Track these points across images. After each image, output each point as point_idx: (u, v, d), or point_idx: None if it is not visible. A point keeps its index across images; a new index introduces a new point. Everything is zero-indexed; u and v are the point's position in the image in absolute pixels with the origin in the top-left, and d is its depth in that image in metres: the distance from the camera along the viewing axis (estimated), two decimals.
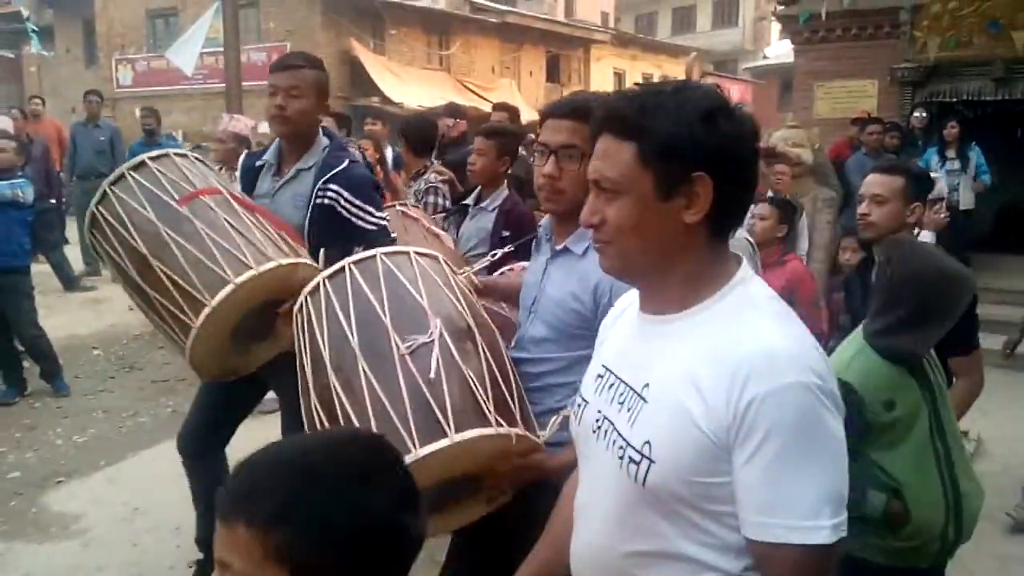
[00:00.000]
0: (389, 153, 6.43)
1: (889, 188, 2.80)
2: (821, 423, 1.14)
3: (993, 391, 2.95)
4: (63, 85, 20.86)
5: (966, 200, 8.23)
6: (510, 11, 23.25)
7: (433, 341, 1.91)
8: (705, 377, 1.17)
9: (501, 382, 1.94)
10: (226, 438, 3.11)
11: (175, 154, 2.64)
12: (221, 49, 12.53)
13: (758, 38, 34.57)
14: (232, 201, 2.55)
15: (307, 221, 2.75)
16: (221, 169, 4.28)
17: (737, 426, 1.13)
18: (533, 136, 5.17)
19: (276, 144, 2.94)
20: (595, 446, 1.33)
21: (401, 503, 0.94)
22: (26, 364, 5.86)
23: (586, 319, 1.96)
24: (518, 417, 1.91)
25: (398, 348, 1.90)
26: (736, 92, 25.68)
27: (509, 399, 1.93)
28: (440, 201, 4.54)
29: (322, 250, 2.53)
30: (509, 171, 4.00)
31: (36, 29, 13.80)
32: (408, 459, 1.81)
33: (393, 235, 2.85)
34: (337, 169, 2.78)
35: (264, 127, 6.96)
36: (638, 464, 1.21)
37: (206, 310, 2.29)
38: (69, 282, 8.67)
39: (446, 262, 2.24)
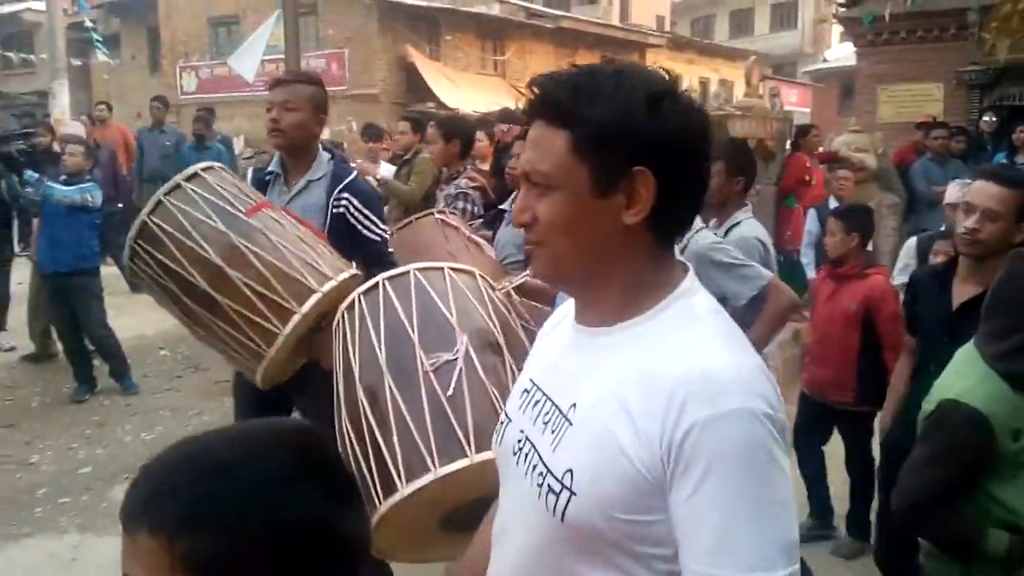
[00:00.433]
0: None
1: (1005, 202, 2.46)
2: (771, 458, 0.98)
3: None
4: (129, 92, 21.49)
5: None
6: (565, 16, 23.25)
7: (457, 358, 1.91)
8: (636, 400, 1.01)
9: None
10: None
11: (218, 167, 2.73)
12: (281, 56, 12.75)
13: (818, 41, 33.98)
14: (286, 214, 2.68)
15: (325, 230, 2.86)
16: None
17: (673, 458, 0.98)
18: None
19: (278, 157, 3.06)
20: (515, 470, 1.17)
21: (330, 500, 0.82)
22: (95, 363, 6.05)
23: None
24: None
25: (423, 364, 1.90)
26: (795, 96, 25.30)
27: None
28: (470, 208, 4.54)
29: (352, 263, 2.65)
30: None
31: (101, 39, 14.27)
32: (429, 478, 1.82)
33: (390, 250, 2.95)
34: (348, 180, 2.92)
35: (325, 132, 7.03)
36: (557, 495, 1.06)
37: (295, 318, 2.37)
38: (136, 284, 8.91)
39: (482, 277, 2.23)
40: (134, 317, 7.52)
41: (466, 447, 1.78)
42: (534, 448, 1.14)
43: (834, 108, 23.17)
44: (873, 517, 3.44)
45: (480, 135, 6.22)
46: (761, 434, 0.98)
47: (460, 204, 4.52)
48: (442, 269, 2.18)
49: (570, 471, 1.05)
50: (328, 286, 2.43)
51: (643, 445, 1.00)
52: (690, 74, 27.74)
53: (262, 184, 3.04)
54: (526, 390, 1.22)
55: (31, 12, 28.86)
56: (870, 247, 3.98)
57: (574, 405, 1.10)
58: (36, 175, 5.86)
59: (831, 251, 3.81)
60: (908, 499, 1.97)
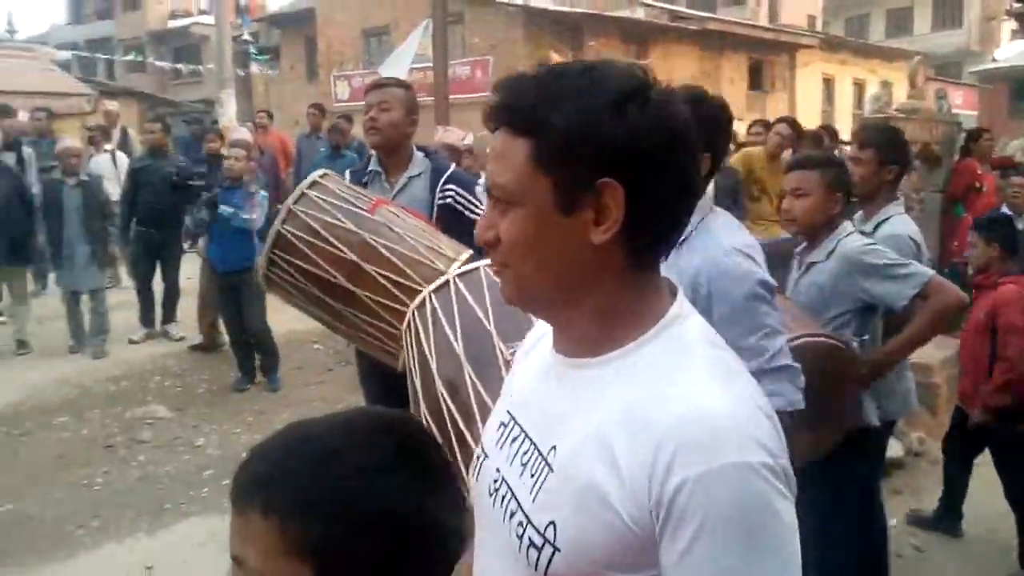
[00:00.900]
0: None
1: None
2: (770, 512, 0.87)
3: None
4: (287, 100, 22.69)
5: None
6: (711, 17, 22.76)
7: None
8: (622, 447, 0.90)
9: None
10: None
11: (329, 173, 2.92)
12: (429, 64, 13.15)
13: (985, 39, 31.75)
14: (399, 209, 2.84)
15: (434, 221, 3.00)
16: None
17: (664, 515, 0.87)
18: None
19: (376, 157, 3.23)
20: (492, 512, 1.05)
21: (436, 493, 0.82)
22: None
23: None
24: None
25: (502, 354, 1.91)
26: (959, 98, 23.74)
27: None
28: None
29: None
30: None
31: (258, 51, 15.19)
32: None
33: None
34: (449, 172, 3.13)
35: (470, 139, 7.21)
36: (540, 550, 0.95)
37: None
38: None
39: None
40: (287, 313, 7.90)
41: None
42: (511, 492, 1.02)
43: (1004, 111, 21.53)
44: None
45: None
46: (759, 488, 0.87)
47: None
48: (480, 267, 2.25)
49: (552, 524, 0.94)
50: (455, 266, 2.56)
51: (630, 497, 0.89)
52: (844, 75, 26.54)
53: (361, 184, 3.19)
54: (503, 423, 1.10)
55: (199, 26, 31.10)
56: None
57: (554, 448, 0.98)
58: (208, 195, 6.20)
59: (972, 262, 3.81)
60: None
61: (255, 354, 6.28)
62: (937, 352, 5.08)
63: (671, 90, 0.98)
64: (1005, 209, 5.50)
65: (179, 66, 27.18)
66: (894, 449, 4.27)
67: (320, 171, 2.93)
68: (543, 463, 0.98)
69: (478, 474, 1.11)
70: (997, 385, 3.46)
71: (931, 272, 2.70)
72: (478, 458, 1.13)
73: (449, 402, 1.96)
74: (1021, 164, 6.17)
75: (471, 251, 2.72)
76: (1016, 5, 10.24)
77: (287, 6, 25.95)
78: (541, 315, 1.08)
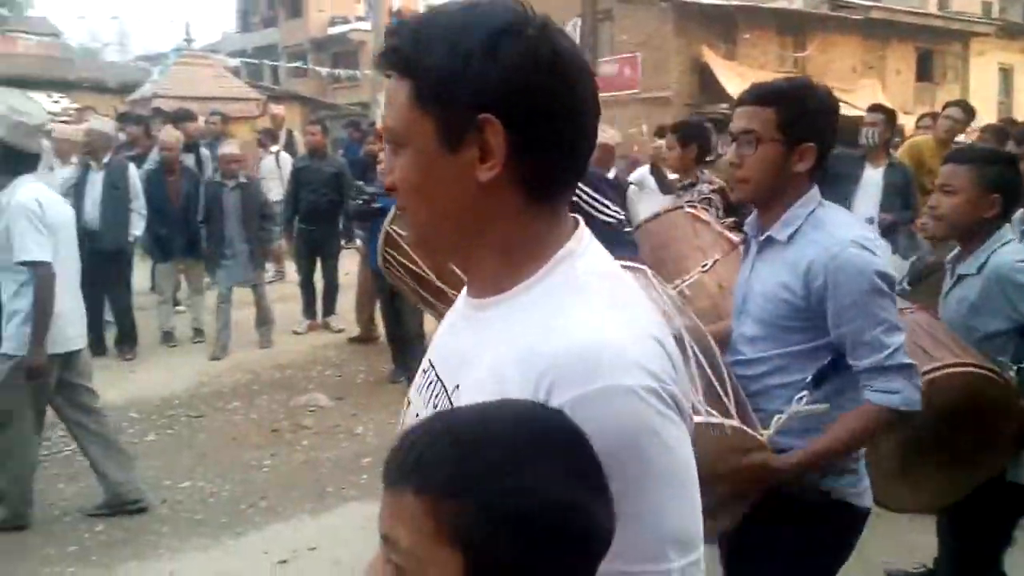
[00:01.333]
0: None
1: None
2: (655, 437, 0.86)
3: None
4: None
5: None
6: (875, 6, 21.57)
7: None
8: (512, 381, 0.90)
9: (713, 378, 1.84)
10: None
11: None
12: None
13: None
14: None
15: None
16: None
17: None
18: None
19: None
20: None
21: (589, 490, 0.79)
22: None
23: (798, 308, 1.88)
24: (733, 412, 1.80)
25: None
26: None
27: (723, 395, 1.83)
28: (714, 212, 4.35)
29: None
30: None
31: None
32: None
33: (627, 229, 2.97)
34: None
35: (617, 136, 7.14)
36: None
37: None
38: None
39: (654, 276, 2.21)
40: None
41: None
42: None
43: None
44: None
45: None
46: (640, 411, 0.86)
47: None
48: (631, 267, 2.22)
49: None
50: None
51: None
52: None
53: None
54: (424, 370, 1.12)
55: (357, 32, 32.42)
56: None
57: (458, 387, 0.99)
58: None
59: None
60: None
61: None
62: None
63: (548, 23, 0.95)
64: None
65: (337, 71, 28.48)
66: None
67: None
68: (447, 401, 1.00)
69: (402, 422, 1.13)
70: None
71: None
72: (405, 406, 1.15)
73: None
74: None
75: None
76: None
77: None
78: (445, 257, 1.10)
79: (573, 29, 12.37)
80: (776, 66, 20.04)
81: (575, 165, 0.99)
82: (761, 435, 1.84)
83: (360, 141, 9.96)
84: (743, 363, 1.99)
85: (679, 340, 1.95)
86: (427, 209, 0.99)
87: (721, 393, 1.83)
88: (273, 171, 9.16)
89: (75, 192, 6.73)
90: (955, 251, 2.61)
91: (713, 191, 4.63)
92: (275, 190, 8.59)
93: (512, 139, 0.92)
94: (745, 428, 1.79)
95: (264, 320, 7.30)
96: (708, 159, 5.29)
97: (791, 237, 1.93)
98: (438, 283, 2.77)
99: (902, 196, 5.48)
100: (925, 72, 22.86)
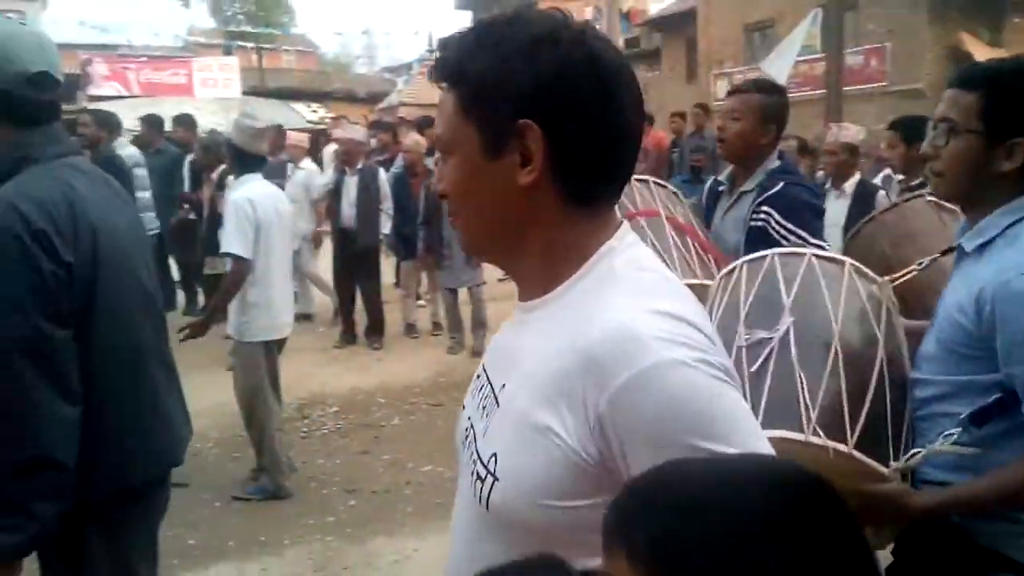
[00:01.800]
0: None
1: None
2: (722, 398, 0.88)
3: None
4: (668, 101, 23.08)
5: None
6: None
7: (773, 339, 1.80)
8: (557, 376, 0.92)
9: (845, 397, 1.67)
10: None
11: (635, 179, 2.84)
12: (815, 55, 12.49)
13: None
14: (665, 224, 2.71)
15: (743, 243, 2.72)
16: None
17: (606, 435, 0.89)
18: None
19: (732, 166, 3.04)
20: (463, 458, 1.10)
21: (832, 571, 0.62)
22: None
23: (970, 335, 1.61)
24: (851, 436, 1.63)
25: (739, 338, 1.86)
26: None
27: (848, 416, 1.66)
28: None
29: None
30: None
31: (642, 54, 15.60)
32: None
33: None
34: (772, 191, 2.75)
35: (862, 134, 6.68)
36: (483, 480, 0.98)
37: None
38: None
39: (854, 268, 2.01)
40: None
41: None
42: (473, 433, 1.07)
43: None
44: None
45: None
46: (697, 378, 0.87)
47: None
48: (804, 255, 2.06)
49: (494, 455, 0.98)
50: None
51: (572, 427, 0.91)
52: None
53: (715, 194, 3.05)
54: (478, 375, 1.14)
55: None
56: None
57: (504, 386, 1.03)
58: None
59: None
60: None
61: None
62: None
63: (587, 29, 0.98)
64: None
65: None
66: None
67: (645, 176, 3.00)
68: (494, 401, 1.03)
69: (458, 427, 1.16)
70: None
71: None
72: (461, 412, 1.17)
73: None
74: None
75: (705, 280, 2.54)
76: None
77: (667, 7, 26.36)
78: (496, 262, 1.12)
79: (814, 20, 11.72)
80: None
81: (615, 167, 1.02)
82: (888, 466, 1.63)
83: None
84: (919, 383, 1.78)
85: (825, 343, 1.81)
86: (474, 214, 1.04)
87: (847, 413, 1.66)
88: None
89: (333, 195, 7.39)
90: None
91: None
92: None
93: (550, 143, 0.96)
94: (855, 454, 1.61)
95: (479, 323, 7.34)
96: None
97: (981, 249, 1.68)
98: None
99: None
100: None
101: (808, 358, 1.80)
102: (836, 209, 4.88)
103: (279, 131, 8.48)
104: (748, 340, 1.86)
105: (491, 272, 7.22)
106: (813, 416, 1.63)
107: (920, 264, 2.10)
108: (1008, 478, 1.57)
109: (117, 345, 1.86)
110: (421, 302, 8.63)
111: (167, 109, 11.31)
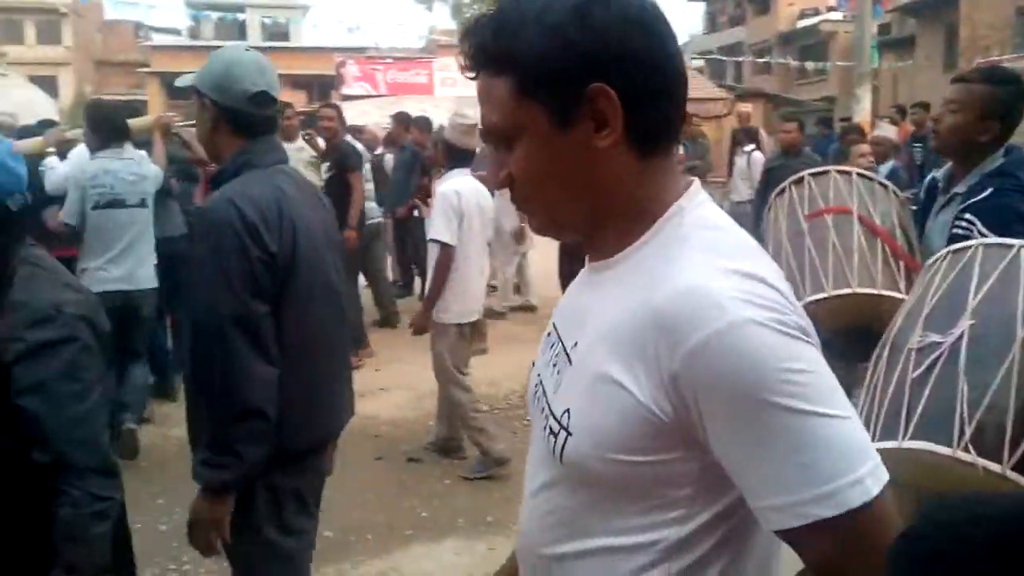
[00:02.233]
0: None
1: None
2: (799, 360, 0.86)
3: None
4: (922, 92, 21.26)
5: None
6: None
7: (944, 343, 1.73)
8: (629, 334, 0.93)
9: (1012, 414, 1.57)
10: None
11: (836, 171, 2.88)
12: None
13: None
14: (855, 223, 2.65)
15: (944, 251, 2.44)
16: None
17: (680, 393, 0.88)
18: None
19: (950, 163, 2.80)
20: (536, 416, 1.12)
21: None
22: None
23: None
24: (1008, 455, 1.53)
25: (911, 341, 1.82)
26: None
27: (1009, 434, 1.55)
28: None
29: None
30: None
31: (876, 44, 14.48)
32: None
33: None
34: (978, 198, 2.50)
35: None
36: (556, 435, 1.00)
37: None
38: None
39: None
40: None
41: (901, 430, 1.66)
42: (544, 390, 1.10)
43: None
44: None
45: None
46: (773, 338, 0.86)
47: None
48: (1013, 247, 1.89)
49: (567, 411, 1.00)
50: (816, 296, 2.60)
51: (644, 381, 0.92)
52: None
53: (932, 190, 2.82)
54: (548, 334, 1.16)
55: (827, 23, 31.03)
56: None
57: (576, 344, 1.04)
58: None
59: None
60: None
61: None
62: None
63: None
64: None
65: (806, 64, 27.57)
66: None
67: (819, 169, 3.01)
68: (566, 358, 1.05)
69: (529, 384, 1.18)
70: None
71: None
72: (531, 370, 1.19)
73: (870, 371, 1.98)
74: None
75: (870, 290, 2.62)
76: None
77: None
78: (572, 235, 1.09)
79: None
80: None
81: (677, 115, 1.01)
82: None
83: (827, 138, 9.45)
84: None
85: (1007, 349, 1.66)
86: (555, 191, 1.01)
87: (1011, 429, 1.57)
88: (744, 171, 9.08)
89: None
90: None
91: None
92: (743, 191, 8.56)
93: (622, 102, 0.95)
94: (1009, 475, 1.52)
95: None
96: None
97: None
98: None
99: None
100: None
101: (981, 365, 1.68)
102: None
103: None
104: (920, 343, 1.79)
105: None
106: (968, 431, 1.57)
107: None
108: None
109: (301, 324, 2.10)
110: None
111: (409, 107, 11.95)
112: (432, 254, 4.50)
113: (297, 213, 2.09)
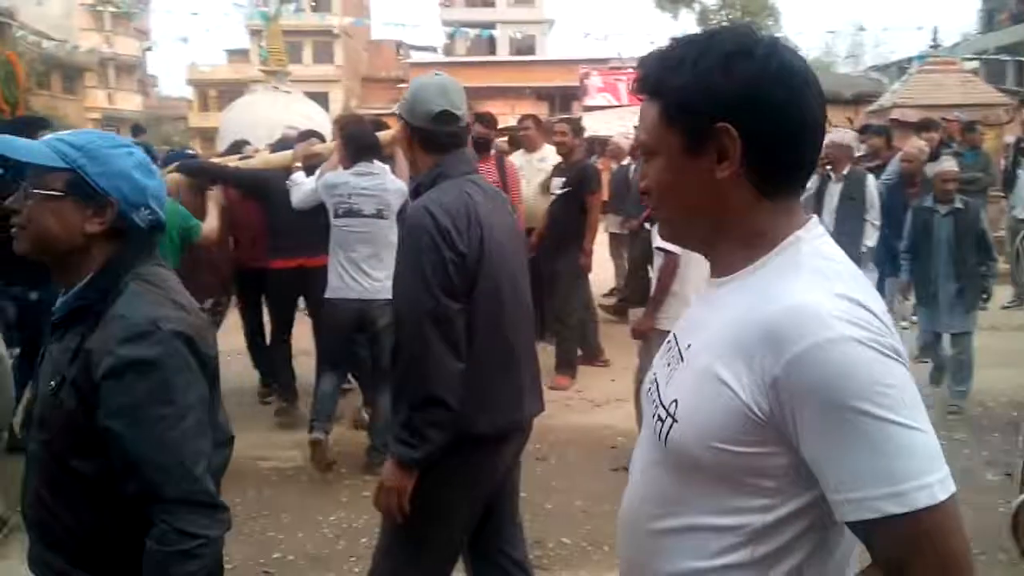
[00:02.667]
0: None
1: None
2: (889, 376, 0.98)
3: None
4: None
5: None
6: None
7: None
8: (739, 341, 1.06)
9: None
10: None
11: None
12: None
13: None
14: None
15: None
16: None
17: (779, 396, 1.02)
18: None
19: None
20: (647, 407, 1.25)
21: None
22: None
23: None
24: None
25: None
26: None
27: None
28: None
29: None
30: None
31: None
32: None
33: None
34: None
35: None
36: (663, 421, 1.15)
37: None
38: None
39: None
40: None
41: None
42: (657, 385, 1.22)
43: None
44: None
45: None
46: (863, 354, 0.98)
47: None
48: None
49: (675, 401, 1.14)
50: None
51: (746, 381, 1.04)
52: None
53: None
54: (668, 341, 1.27)
55: None
56: None
57: (690, 345, 1.17)
58: None
59: None
60: None
61: None
62: None
63: (778, 43, 1.13)
64: None
65: None
66: None
67: None
68: (679, 357, 1.19)
69: (646, 382, 1.30)
70: None
71: None
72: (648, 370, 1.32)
73: None
74: None
75: None
76: None
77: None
78: (693, 247, 1.27)
79: None
80: None
81: (800, 160, 1.15)
82: None
83: None
84: None
85: None
86: (677, 206, 1.19)
87: None
88: None
89: (815, 201, 7.00)
90: None
91: None
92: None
93: (745, 143, 1.10)
94: None
95: (961, 378, 6.08)
96: None
97: None
98: None
99: None
100: None
101: None
102: None
103: None
104: None
105: None
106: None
107: None
108: None
109: (490, 320, 2.29)
110: (904, 323, 7.81)
111: None
112: (657, 262, 4.59)
113: (484, 218, 2.29)
